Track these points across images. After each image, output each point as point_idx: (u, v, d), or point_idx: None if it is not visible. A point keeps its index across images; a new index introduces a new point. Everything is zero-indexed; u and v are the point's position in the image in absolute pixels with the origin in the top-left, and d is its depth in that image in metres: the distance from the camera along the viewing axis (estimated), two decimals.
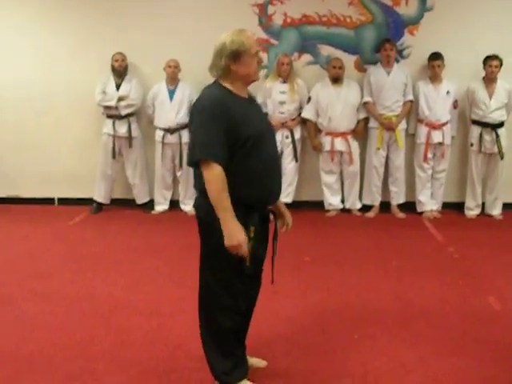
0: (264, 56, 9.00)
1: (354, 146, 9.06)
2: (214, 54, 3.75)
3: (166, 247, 7.49)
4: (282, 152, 8.80)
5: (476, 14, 9.00)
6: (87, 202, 9.41)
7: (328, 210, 9.21)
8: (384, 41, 8.90)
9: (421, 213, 9.12)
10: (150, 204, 9.45)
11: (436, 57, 8.72)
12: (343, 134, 8.95)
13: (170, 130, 9.00)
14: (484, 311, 5.50)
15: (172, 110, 8.98)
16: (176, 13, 9.12)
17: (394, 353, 4.68)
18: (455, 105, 8.95)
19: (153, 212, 9.35)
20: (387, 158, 9.10)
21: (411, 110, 9.04)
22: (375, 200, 9.20)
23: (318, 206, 9.22)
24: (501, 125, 8.76)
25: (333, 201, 9.18)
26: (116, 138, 9.13)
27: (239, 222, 3.61)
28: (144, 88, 9.17)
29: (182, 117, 8.94)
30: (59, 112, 9.48)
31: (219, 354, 4.00)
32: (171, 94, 9.01)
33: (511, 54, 8.72)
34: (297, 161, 9.03)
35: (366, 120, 9.10)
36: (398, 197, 9.18)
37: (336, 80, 8.86)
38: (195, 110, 3.76)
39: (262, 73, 8.82)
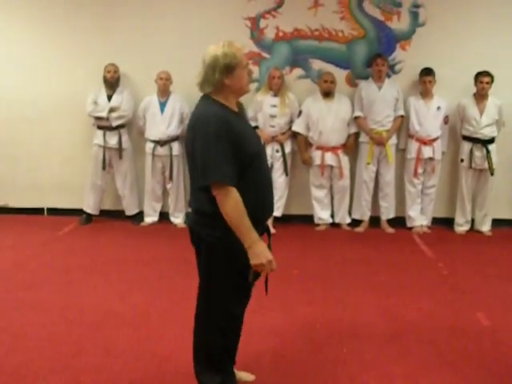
0: (255, 69, 9.04)
1: (345, 160, 9.05)
2: (204, 68, 3.67)
3: (155, 259, 7.47)
4: (272, 166, 8.80)
5: (468, 29, 9.01)
6: (76, 212, 9.38)
7: (318, 224, 9.20)
8: (376, 56, 8.93)
9: (410, 228, 9.12)
10: (139, 216, 9.43)
11: (427, 72, 8.75)
12: (334, 149, 8.95)
13: (160, 142, 8.98)
14: (473, 327, 5.50)
15: (163, 123, 8.97)
16: (168, 25, 9.14)
17: (382, 367, 4.67)
18: (446, 120, 8.97)
19: (142, 224, 9.32)
20: (377, 172, 9.10)
21: (402, 125, 9.06)
22: (365, 215, 9.20)
23: (308, 220, 9.21)
24: (491, 141, 8.78)
25: (322, 215, 9.17)
26: (106, 150, 9.11)
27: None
28: (135, 99, 9.17)
29: (173, 129, 8.96)
30: (50, 122, 9.47)
31: (210, 369, 3.99)
32: (162, 106, 9.00)
33: (503, 70, 8.76)
34: (287, 175, 9.02)
35: (357, 134, 9.10)
36: (387, 212, 9.17)
37: (327, 94, 8.87)
38: (198, 130, 3.64)
39: (253, 86, 8.84)
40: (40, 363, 4.66)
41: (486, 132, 8.73)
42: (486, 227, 9.09)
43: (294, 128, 8.98)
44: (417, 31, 9.08)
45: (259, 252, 3.56)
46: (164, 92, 9.01)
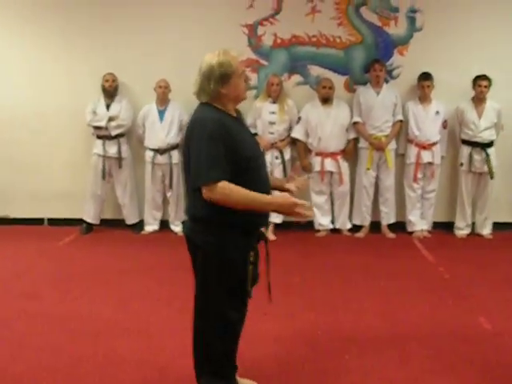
0: (254, 77, 9.06)
1: (344, 166, 9.05)
2: (200, 77, 3.69)
3: (156, 267, 7.46)
4: (271, 172, 8.78)
5: (465, 33, 9.02)
6: (77, 222, 9.37)
7: (318, 230, 9.19)
8: (373, 61, 8.94)
9: (411, 233, 9.12)
10: (139, 224, 9.42)
11: (425, 77, 8.76)
12: (333, 155, 8.95)
13: (160, 151, 8.99)
14: (474, 331, 5.49)
15: (162, 131, 8.97)
16: (166, 33, 9.13)
17: (383, 373, 4.66)
18: (445, 125, 8.98)
19: (142, 232, 9.31)
20: (377, 178, 9.10)
21: (401, 130, 9.06)
22: (365, 220, 9.19)
23: (308, 226, 9.19)
24: (490, 144, 8.79)
25: (323, 221, 9.17)
26: (106, 159, 9.10)
27: (238, 246, 3.59)
28: (134, 108, 9.17)
29: (173, 137, 8.96)
30: (50, 133, 9.46)
31: (211, 376, 3.99)
32: (161, 114, 9.00)
33: (501, 73, 8.76)
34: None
35: (356, 140, 9.10)
36: (388, 217, 9.17)
37: (326, 100, 8.87)
38: (194, 133, 3.67)
39: (251, 93, 8.84)
40: (40, 372, 4.65)
41: (485, 135, 8.74)
42: (486, 231, 9.09)
43: (293, 134, 8.98)
44: (414, 36, 9.09)
45: (281, 204, 3.62)
46: (163, 100, 9.01)
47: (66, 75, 9.34)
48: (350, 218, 9.28)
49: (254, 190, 3.66)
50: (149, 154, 9.08)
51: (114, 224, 9.49)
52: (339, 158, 8.99)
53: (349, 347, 5.13)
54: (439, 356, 4.96)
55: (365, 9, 9.07)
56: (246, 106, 8.07)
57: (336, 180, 9.04)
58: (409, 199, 9.09)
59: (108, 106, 9.03)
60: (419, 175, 8.96)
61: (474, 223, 9.16)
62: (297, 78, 9.26)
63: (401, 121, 8.97)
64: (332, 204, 9.26)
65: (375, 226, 9.20)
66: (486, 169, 8.78)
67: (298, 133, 8.97)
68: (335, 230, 9.24)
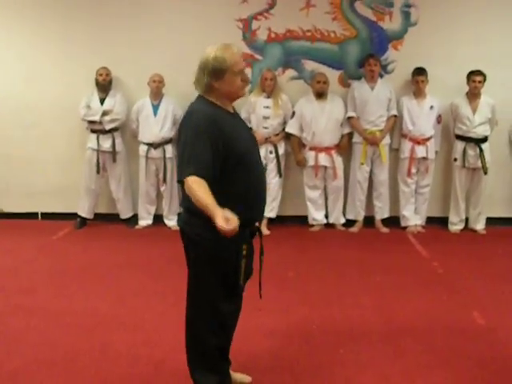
0: (248, 71, 9.03)
1: (338, 160, 9.05)
2: (198, 69, 3.71)
3: (150, 262, 7.47)
4: (265, 167, 8.77)
5: (460, 29, 9.02)
6: (71, 216, 9.36)
7: (312, 225, 9.20)
8: (368, 56, 8.93)
9: (405, 227, 9.13)
10: (133, 219, 9.42)
11: (420, 72, 8.76)
12: (327, 149, 8.95)
13: (153, 145, 8.98)
14: (468, 326, 5.51)
15: (156, 125, 8.96)
16: (160, 28, 9.11)
17: (378, 367, 4.67)
18: (439, 120, 8.99)
19: (137, 227, 9.31)
20: (371, 172, 9.11)
21: (395, 125, 9.07)
22: (359, 215, 9.20)
23: (302, 220, 9.21)
24: (484, 140, 8.79)
25: (317, 216, 9.17)
26: (100, 153, 9.09)
27: (231, 240, 3.52)
28: (128, 102, 9.16)
29: (166, 131, 8.95)
30: (44, 127, 9.44)
31: (205, 370, 3.99)
32: (155, 108, 8.99)
33: (495, 68, 8.76)
34: (281, 176, 9.01)
35: (350, 135, 9.10)
36: (381, 212, 9.18)
37: (320, 95, 8.87)
38: (186, 127, 3.69)
39: (246, 88, 8.82)
40: (37, 368, 4.65)
41: (479, 131, 8.74)
42: (480, 226, 9.10)
43: (288, 129, 8.98)
44: (409, 31, 9.08)
45: (212, 214, 3.36)
46: (157, 95, 9.00)
47: (60, 70, 9.31)
48: (344, 212, 9.28)
49: (248, 186, 3.69)
50: (143, 149, 9.07)
51: (108, 218, 9.49)
52: (333, 152, 8.98)
53: (343, 342, 5.14)
54: (434, 350, 4.97)
55: (359, 3, 9.06)
56: (240, 101, 8.04)
57: (330, 175, 9.04)
58: (403, 194, 9.10)
59: (102, 101, 9.02)
60: (413, 170, 8.97)
61: (467, 218, 9.17)
62: (291, 72, 9.24)
63: (395, 116, 8.97)
64: (326, 199, 9.25)
65: (369, 220, 9.21)
66: (479, 164, 8.78)
67: (292, 127, 8.96)
68: (329, 225, 9.24)
